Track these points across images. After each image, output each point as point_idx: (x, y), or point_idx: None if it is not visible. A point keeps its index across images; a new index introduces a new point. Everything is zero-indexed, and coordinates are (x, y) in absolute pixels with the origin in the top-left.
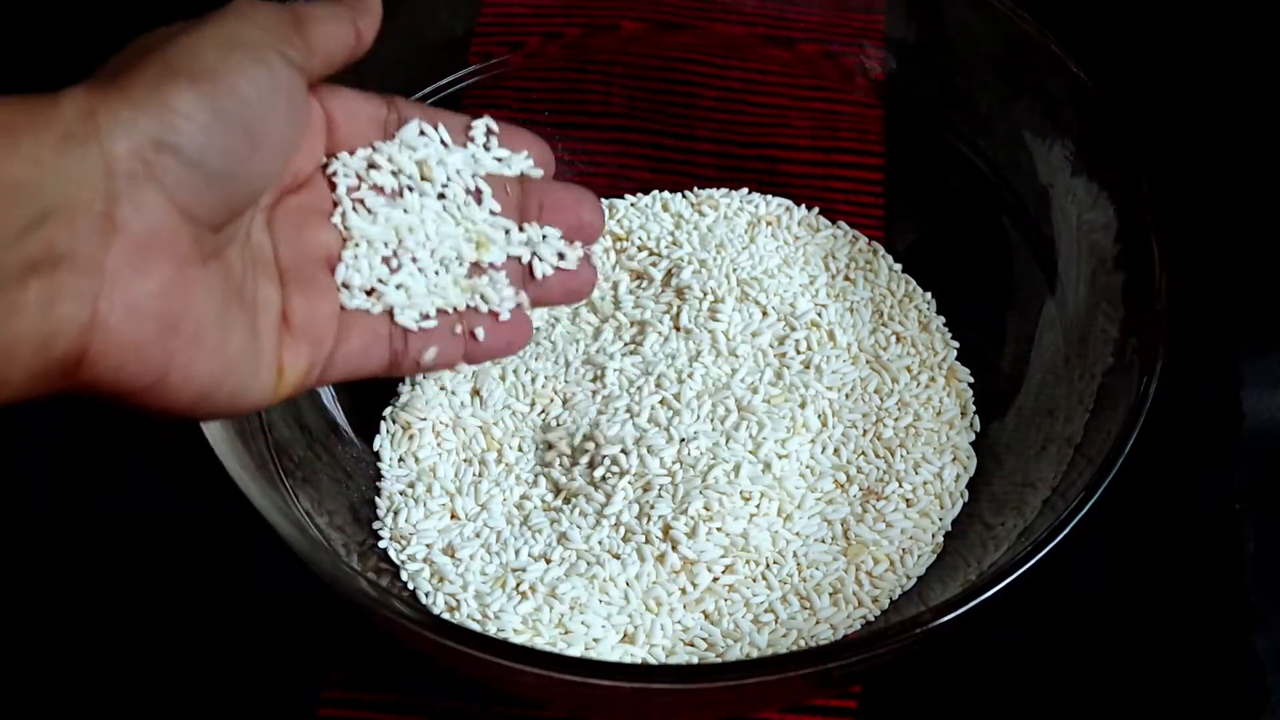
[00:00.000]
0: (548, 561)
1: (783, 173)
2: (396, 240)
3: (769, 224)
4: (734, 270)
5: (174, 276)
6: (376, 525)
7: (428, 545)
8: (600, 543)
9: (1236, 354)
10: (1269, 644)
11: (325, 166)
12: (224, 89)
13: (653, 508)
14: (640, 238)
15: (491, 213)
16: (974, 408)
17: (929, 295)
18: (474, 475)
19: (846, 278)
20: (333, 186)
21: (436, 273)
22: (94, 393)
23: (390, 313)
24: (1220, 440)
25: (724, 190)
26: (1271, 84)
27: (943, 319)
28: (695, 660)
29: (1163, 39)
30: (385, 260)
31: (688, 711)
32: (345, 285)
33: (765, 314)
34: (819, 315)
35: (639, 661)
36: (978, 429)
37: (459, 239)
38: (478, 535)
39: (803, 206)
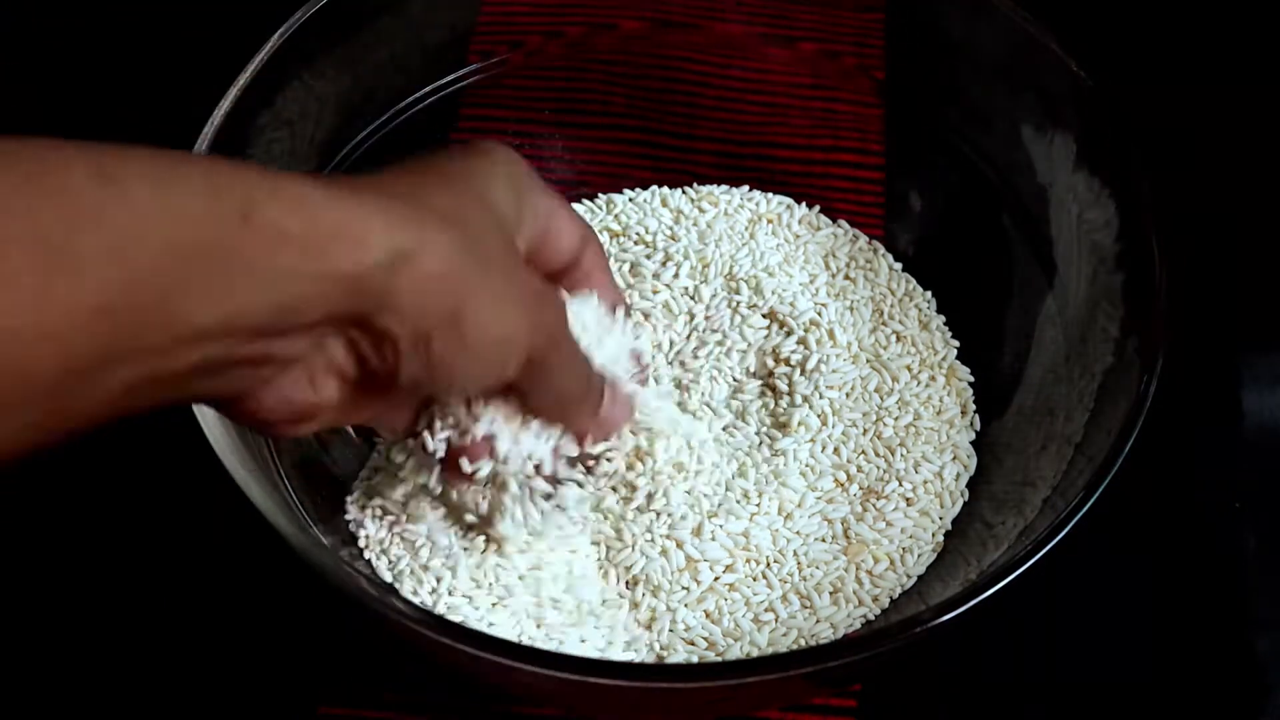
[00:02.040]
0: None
1: (783, 171)
2: None
3: (769, 222)
4: (733, 267)
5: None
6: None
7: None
8: (603, 549)
9: (1236, 354)
10: (1269, 644)
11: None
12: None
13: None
14: (638, 233)
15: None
16: (974, 407)
17: (929, 294)
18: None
19: (847, 276)
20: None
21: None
22: None
23: None
24: (1220, 440)
25: (724, 187)
26: (1272, 84)
27: (943, 318)
28: (695, 659)
29: (1163, 39)
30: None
31: (688, 711)
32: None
33: (766, 315)
34: (819, 314)
35: (639, 661)
36: (978, 428)
37: None
38: (466, 530)
39: (803, 205)
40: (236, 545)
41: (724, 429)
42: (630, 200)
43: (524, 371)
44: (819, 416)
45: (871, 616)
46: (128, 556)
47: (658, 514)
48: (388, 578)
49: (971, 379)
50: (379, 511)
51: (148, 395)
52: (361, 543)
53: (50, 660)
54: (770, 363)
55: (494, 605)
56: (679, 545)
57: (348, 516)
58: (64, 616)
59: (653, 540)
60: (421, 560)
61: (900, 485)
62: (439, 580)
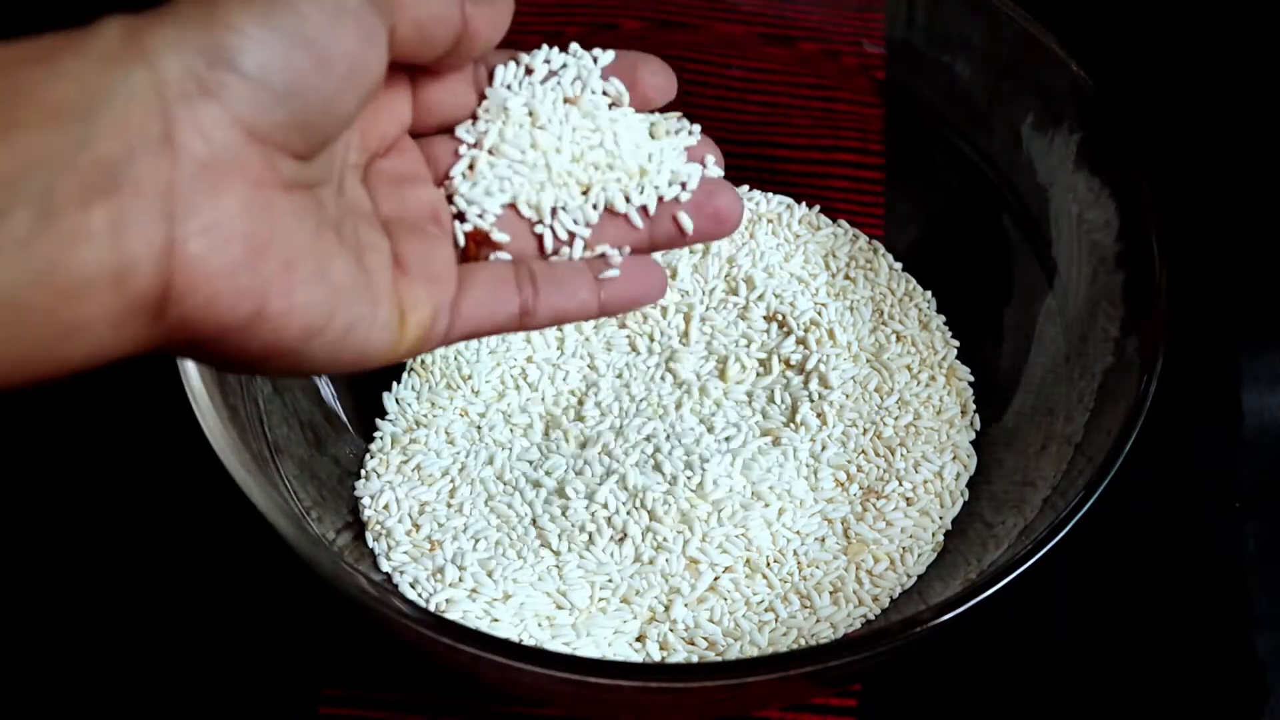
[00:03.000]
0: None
1: (783, 171)
2: (533, 158)
3: (769, 221)
4: (733, 267)
5: (252, 196)
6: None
7: (415, 545)
8: (603, 548)
9: (1236, 353)
10: (1269, 644)
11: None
12: (280, 7)
13: (660, 505)
14: None
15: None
16: (974, 406)
17: (929, 294)
18: (468, 478)
19: (847, 276)
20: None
21: (583, 193)
22: (193, 340)
23: (514, 260)
24: (1220, 440)
25: None
26: (1272, 84)
27: (943, 318)
28: (695, 659)
29: (1163, 39)
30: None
31: (688, 711)
32: (461, 218)
33: (766, 315)
34: (819, 314)
35: (639, 660)
36: (978, 428)
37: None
38: (466, 530)
39: (803, 204)
40: (236, 544)
41: (724, 428)
42: None
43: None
44: (819, 416)
45: (871, 616)
46: (128, 556)
47: (658, 514)
48: (390, 575)
49: (971, 379)
50: (380, 509)
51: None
52: (368, 540)
53: (53, 660)
54: (770, 362)
55: (495, 603)
56: (679, 545)
57: (348, 514)
58: (66, 618)
59: (653, 540)
60: (423, 558)
61: (900, 485)
62: (440, 578)
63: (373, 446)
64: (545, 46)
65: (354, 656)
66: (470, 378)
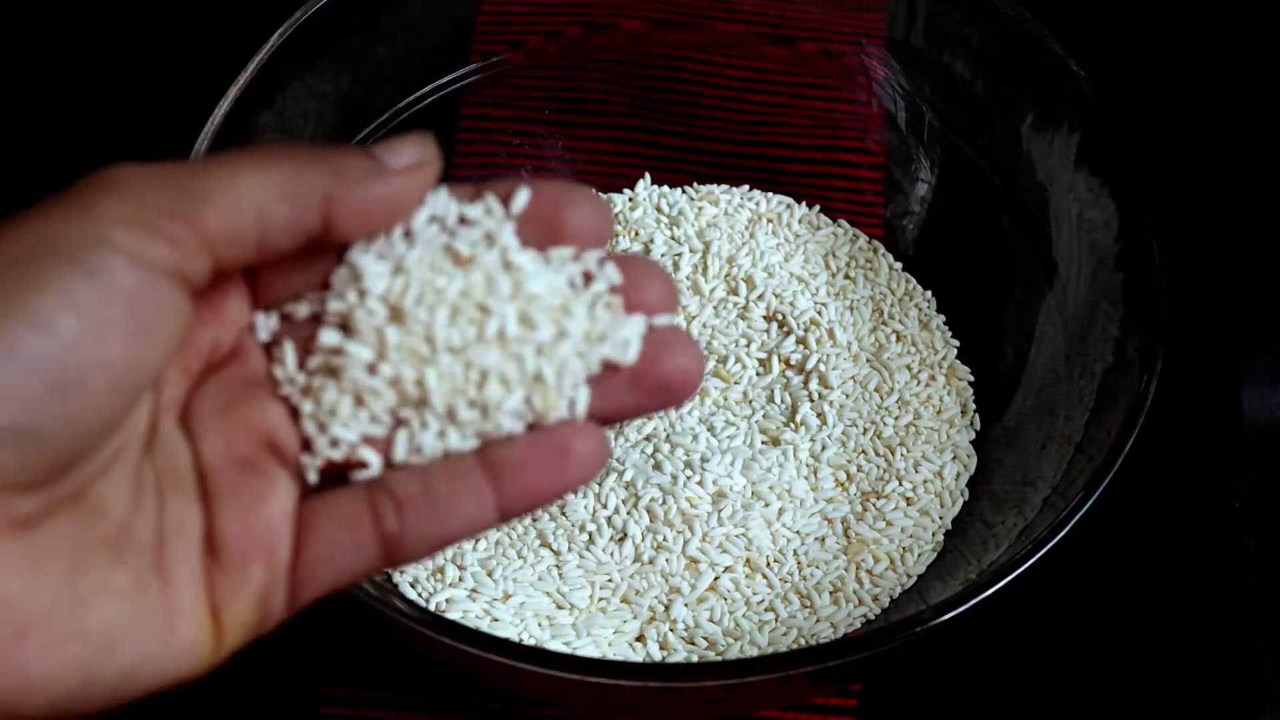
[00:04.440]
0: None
1: (783, 171)
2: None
3: (769, 221)
4: (733, 267)
5: None
6: None
7: None
8: (604, 548)
9: (1237, 353)
10: (1269, 644)
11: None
12: (12, 317)
13: (661, 505)
14: (637, 233)
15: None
16: (974, 406)
17: (929, 294)
18: None
19: (847, 276)
20: (269, 352)
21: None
22: None
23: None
24: (1220, 440)
25: (724, 186)
26: (1272, 84)
27: (943, 317)
28: (695, 659)
29: (1163, 39)
30: (361, 400)
31: (688, 710)
32: (309, 450)
33: (766, 315)
34: (819, 313)
35: (639, 660)
36: (978, 427)
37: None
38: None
39: (803, 204)
40: None
41: (724, 428)
42: (630, 200)
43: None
44: (819, 416)
45: (871, 616)
46: None
47: (658, 514)
48: (389, 575)
49: (971, 378)
50: None
51: None
52: None
53: None
54: (770, 362)
55: (495, 603)
56: (679, 545)
57: None
58: None
59: (653, 540)
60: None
61: (900, 485)
62: (440, 578)
63: None
64: (439, 191)
65: (354, 656)
66: None
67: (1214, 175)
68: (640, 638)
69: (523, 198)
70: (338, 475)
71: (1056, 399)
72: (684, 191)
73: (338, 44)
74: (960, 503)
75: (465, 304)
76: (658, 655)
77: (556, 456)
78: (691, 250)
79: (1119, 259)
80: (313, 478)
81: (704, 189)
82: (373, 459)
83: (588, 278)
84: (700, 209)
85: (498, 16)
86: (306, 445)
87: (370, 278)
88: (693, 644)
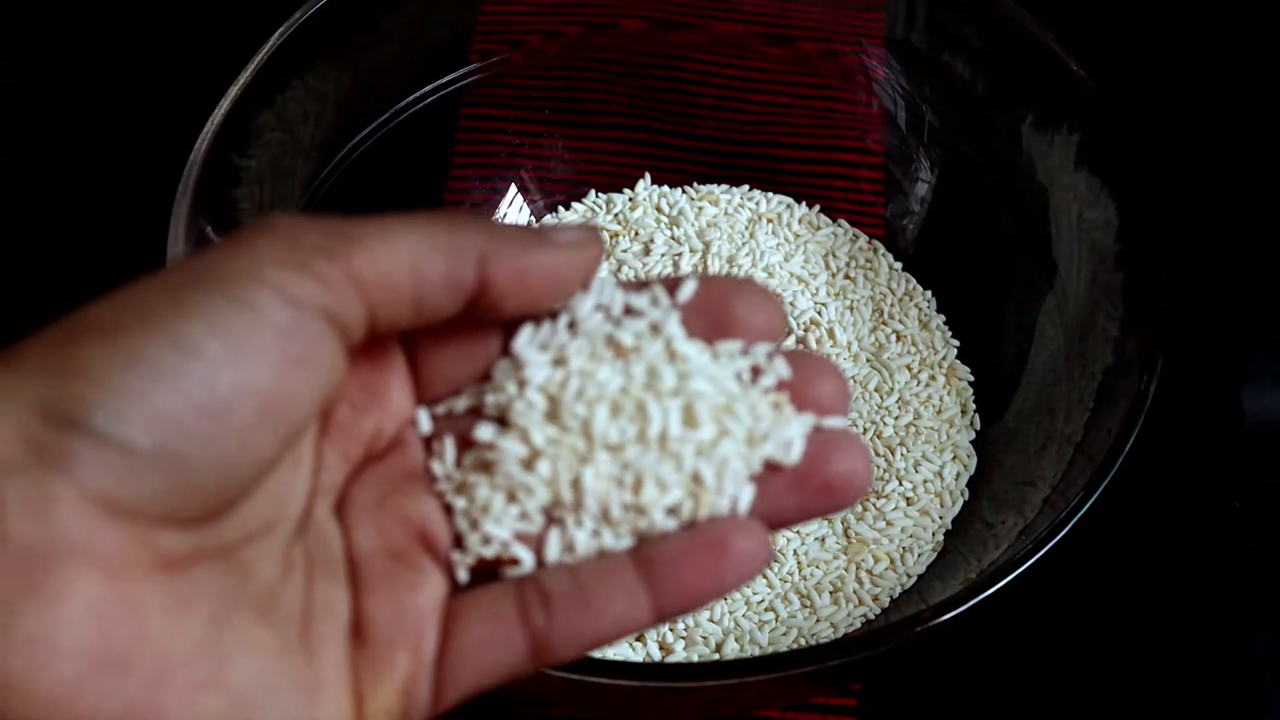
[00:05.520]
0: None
1: (783, 171)
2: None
3: (769, 221)
4: (733, 266)
5: (105, 591)
6: None
7: None
8: None
9: (1236, 354)
10: (1269, 644)
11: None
12: (160, 337)
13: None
14: (637, 232)
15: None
16: (974, 406)
17: (929, 294)
18: None
19: (847, 276)
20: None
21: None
22: None
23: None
24: (1220, 440)
25: (724, 186)
26: (1272, 84)
27: (943, 317)
28: (695, 659)
29: (1163, 39)
30: (514, 496)
31: (688, 711)
32: (461, 547)
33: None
34: (819, 313)
35: (639, 660)
36: (978, 427)
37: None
38: None
39: (803, 204)
40: None
41: None
42: (630, 200)
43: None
44: None
45: (871, 616)
46: None
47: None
48: None
49: (971, 378)
50: None
51: None
52: None
53: None
54: None
55: None
56: None
57: None
58: None
59: None
60: None
61: (900, 484)
62: None
63: None
64: (606, 280)
65: None
66: None
67: (1214, 175)
68: (640, 638)
69: (690, 287)
70: (489, 573)
71: (1056, 399)
72: (684, 191)
73: (338, 44)
74: (960, 503)
75: (625, 400)
76: (658, 655)
77: (714, 553)
78: (691, 250)
79: (1119, 259)
80: (463, 575)
81: (704, 189)
82: (525, 556)
83: (755, 372)
84: (700, 209)
85: (498, 16)
86: (458, 542)
87: (531, 367)
88: (693, 644)
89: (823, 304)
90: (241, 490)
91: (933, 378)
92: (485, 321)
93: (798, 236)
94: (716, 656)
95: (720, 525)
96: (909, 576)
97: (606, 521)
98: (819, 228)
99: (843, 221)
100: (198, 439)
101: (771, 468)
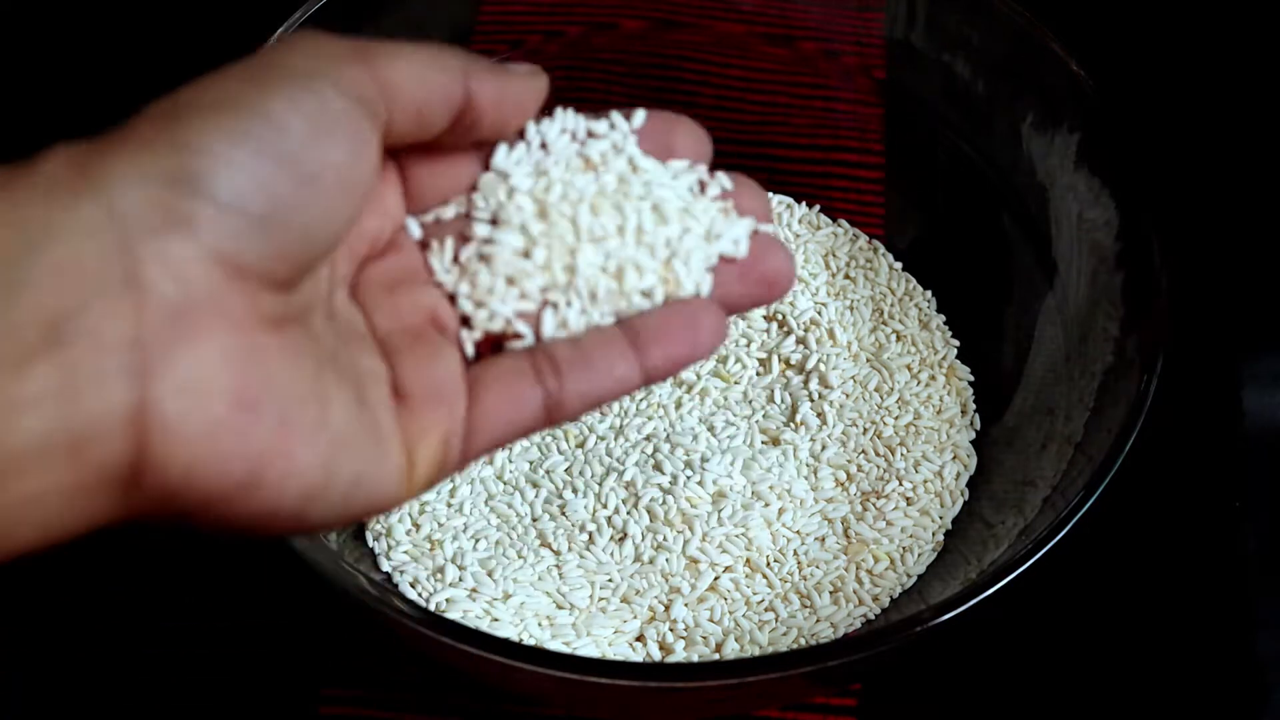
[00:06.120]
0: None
1: (783, 170)
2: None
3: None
4: None
5: (236, 342)
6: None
7: (415, 544)
8: (604, 548)
9: (1236, 354)
10: (1269, 644)
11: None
12: (253, 115)
13: (661, 505)
14: None
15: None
16: (974, 406)
17: (929, 293)
18: (468, 477)
19: (847, 276)
20: (423, 245)
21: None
22: (171, 512)
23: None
24: (1220, 440)
25: None
26: (1272, 84)
27: (943, 317)
28: (695, 659)
29: (1163, 39)
30: (513, 280)
31: (688, 711)
32: (467, 326)
33: (766, 315)
34: (819, 313)
35: (639, 660)
36: (978, 427)
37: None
38: (466, 529)
39: (803, 204)
40: (237, 544)
41: (724, 428)
42: None
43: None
44: (819, 416)
45: (871, 616)
46: (129, 556)
47: (658, 514)
48: (389, 575)
49: (971, 378)
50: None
51: None
52: (368, 539)
53: (53, 660)
54: (770, 362)
55: (495, 603)
56: (679, 545)
57: None
58: (67, 618)
59: (653, 540)
60: (423, 558)
61: (900, 484)
62: (440, 578)
63: None
64: (563, 111)
65: (354, 656)
66: None
67: (1214, 175)
68: (640, 638)
69: (640, 116)
70: (494, 348)
71: (1056, 399)
72: None
73: None
74: (960, 503)
75: (603, 201)
76: (658, 655)
77: (689, 326)
78: None
79: (1119, 259)
80: (470, 349)
81: None
82: (526, 330)
83: (702, 186)
84: None
85: (498, 16)
86: (465, 323)
87: (517, 177)
88: (693, 644)
89: (823, 304)
90: (318, 258)
91: (933, 378)
92: (459, 145)
93: (798, 236)
94: (716, 656)
95: (690, 304)
96: (909, 576)
97: (593, 301)
98: (819, 228)
99: (843, 221)
100: (294, 206)
101: (725, 261)
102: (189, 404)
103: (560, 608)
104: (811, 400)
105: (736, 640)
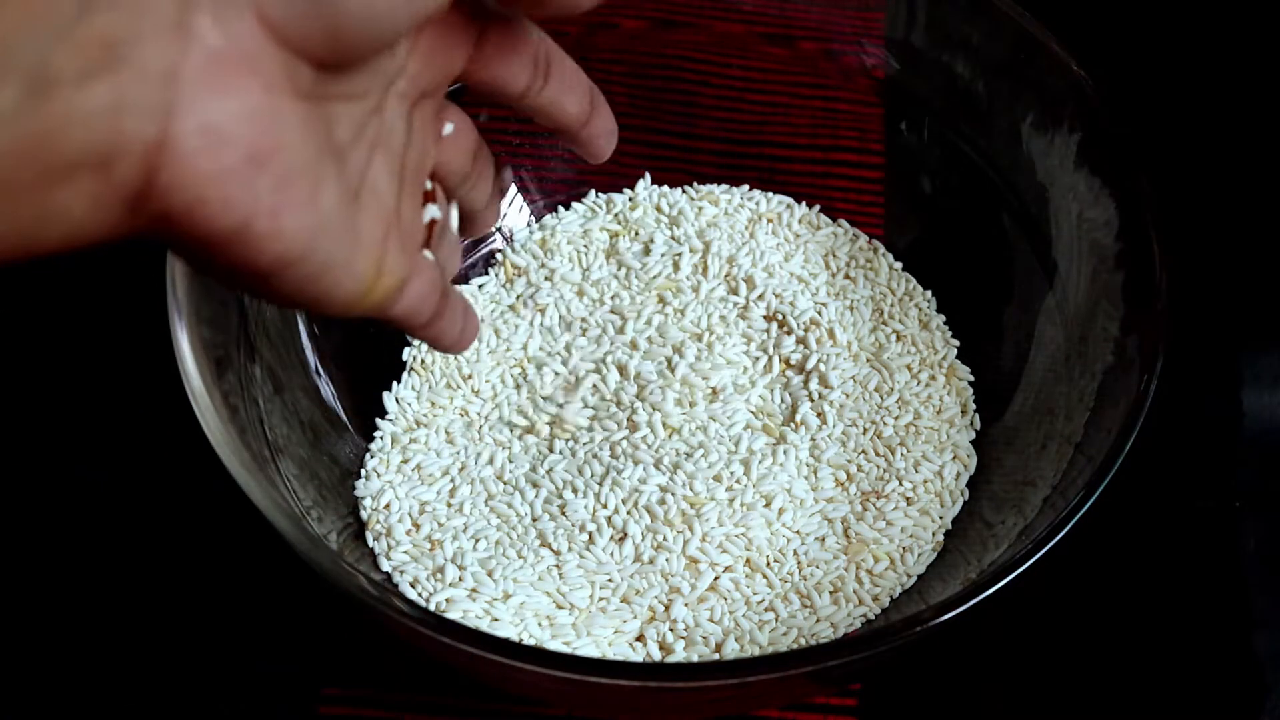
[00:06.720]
0: (540, 575)
1: (783, 170)
2: None
3: (769, 221)
4: (733, 266)
5: (261, 100)
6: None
7: (415, 544)
8: (604, 548)
9: (1236, 354)
10: (1269, 644)
11: None
12: None
13: (660, 504)
14: (638, 232)
15: None
16: (974, 406)
17: (929, 293)
18: (468, 477)
19: (847, 276)
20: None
21: None
22: (167, 238)
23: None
24: (1220, 440)
25: (724, 186)
26: (1272, 84)
27: (943, 317)
28: (695, 659)
29: (1163, 39)
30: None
31: (688, 711)
32: (431, 198)
33: (766, 315)
34: (819, 313)
35: (639, 660)
36: (978, 427)
37: None
38: (466, 529)
39: (803, 204)
40: (236, 544)
41: (724, 427)
42: (630, 200)
43: None
44: (819, 416)
45: (871, 616)
46: (128, 556)
47: (658, 514)
48: (389, 575)
49: (971, 378)
50: (380, 508)
51: None
52: (368, 540)
53: (53, 660)
54: (770, 362)
55: (495, 603)
56: (679, 544)
57: (348, 514)
58: (66, 618)
59: (653, 540)
60: (423, 558)
61: (900, 484)
62: (440, 578)
63: (373, 446)
64: None
65: (354, 656)
66: (470, 377)
67: (1214, 175)
68: (640, 638)
69: None
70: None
71: (1056, 399)
72: (684, 191)
73: None
74: (960, 503)
75: None
76: (658, 655)
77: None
78: (691, 250)
79: (1119, 259)
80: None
81: (704, 189)
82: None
83: None
84: (700, 209)
85: None
86: (429, 197)
87: None
88: (693, 644)
89: (823, 304)
90: (364, 55)
91: (933, 378)
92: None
93: (798, 236)
94: (716, 656)
95: None
96: (909, 576)
97: None
98: (819, 228)
99: (843, 221)
100: None
101: None
102: (204, 146)
103: (560, 608)
104: (811, 400)
105: (736, 640)
